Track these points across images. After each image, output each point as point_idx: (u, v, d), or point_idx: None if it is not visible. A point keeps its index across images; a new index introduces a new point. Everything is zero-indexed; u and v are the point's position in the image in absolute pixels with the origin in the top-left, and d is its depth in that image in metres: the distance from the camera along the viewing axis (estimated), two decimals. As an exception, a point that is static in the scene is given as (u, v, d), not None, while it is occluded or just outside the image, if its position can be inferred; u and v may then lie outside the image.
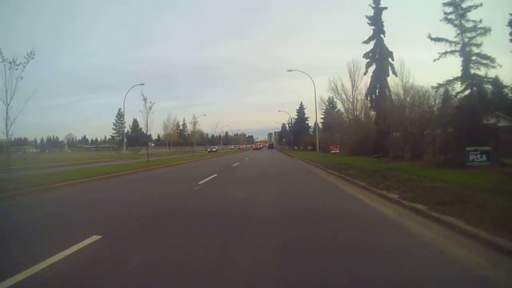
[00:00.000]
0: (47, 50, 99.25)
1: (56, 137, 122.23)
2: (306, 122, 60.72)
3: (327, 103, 66.36)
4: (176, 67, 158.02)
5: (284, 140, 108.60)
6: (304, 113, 60.31)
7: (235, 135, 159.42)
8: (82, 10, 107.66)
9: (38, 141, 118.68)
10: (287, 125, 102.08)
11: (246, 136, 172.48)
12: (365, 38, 18.52)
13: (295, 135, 61.03)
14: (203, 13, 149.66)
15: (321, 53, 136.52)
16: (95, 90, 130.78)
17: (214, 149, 50.70)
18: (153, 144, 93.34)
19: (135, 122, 61.91)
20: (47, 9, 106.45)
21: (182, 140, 78.05)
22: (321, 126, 67.41)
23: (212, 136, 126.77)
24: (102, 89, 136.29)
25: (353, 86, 55.22)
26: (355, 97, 55.86)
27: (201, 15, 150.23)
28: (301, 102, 60.74)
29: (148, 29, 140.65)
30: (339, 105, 66.59)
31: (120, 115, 61.58)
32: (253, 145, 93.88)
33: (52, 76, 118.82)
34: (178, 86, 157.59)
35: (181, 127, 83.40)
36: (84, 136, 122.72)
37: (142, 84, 40.77)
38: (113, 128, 61.64)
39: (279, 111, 71.46)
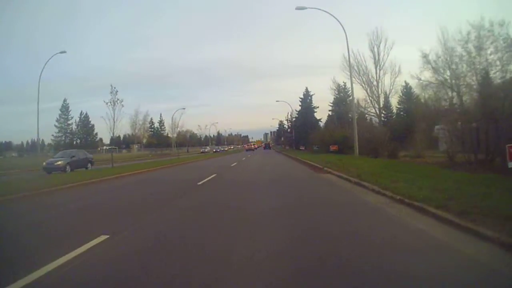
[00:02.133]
0: (41, 53, 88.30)
1: (42, 140, 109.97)
2: (314, 113, 45.41)
3: (336, 92, 51.36)
4: (172, 68, 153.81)
5: (282, 139, 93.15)
6: (311, 103, 45.09)
7: (229, 135, 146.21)
8: (76, 12, 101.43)
9: (25, 145, 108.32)
10: (285, 122, 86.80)
11: (242, 136, 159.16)
12: None
13: (298, 132, 45.65)
14: (199, 14, 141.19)
15: (319, 53, 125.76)
16: (91, 92, 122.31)
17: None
18: (136, 146, 78.61)
19: (84, 117, 46.04)
20: (39, 11, 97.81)
21: (156, 140, 62.34)
22: (320, 121, 52.42)
23: (204, 136, 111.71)
24: (97, 91, 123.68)
25: (376, 64, 40.51)
26: (380, 78, 41.36)
27: (197, 17, 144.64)
28: (306, 88, 45.65)
29: (143, 30, 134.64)
30: (355, 92, 52.11)
31: (65, 108, 45.72)
32: (245, 146, 76.95)
33: (47, 78, 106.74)
34: (174, 87, 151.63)
35: (156, 125, 67.64)
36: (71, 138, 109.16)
37: (64, 52, 26.60)
38: (55, 126, 45.75)
39: (277, 101, 54.85)
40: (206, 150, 57.95)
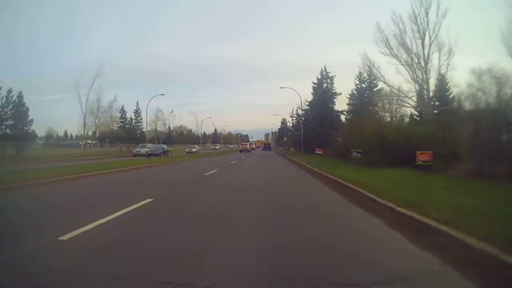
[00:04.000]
0: (45, 46, 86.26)
1: (33, 131, 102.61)
2: (334, 103, 31.99)
3: (357, 81, 38.16)
4: (175, 65, 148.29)
5: (285, 139, 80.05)
6: (331, 87, 31.84)
7: (228, 133, 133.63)
8: (80, 7, 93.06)
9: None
10: (289, 119, 73.73)
11: (242, 135, 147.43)
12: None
13: (311, 128, 32.61)
14: (202, 12, 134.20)
15: (325, 54, 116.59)
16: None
17: None
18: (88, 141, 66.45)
19: (18, 97, 33.12)
20: (45, 4, 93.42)
21: (126, 134, 49.43)
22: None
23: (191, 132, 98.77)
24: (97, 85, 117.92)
25: (422, 36, 28.87)
26: (429, 55, 30.13)
27: (200, 14, 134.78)
28: (324, 68, 32.19)
29: (147, 27, 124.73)
30: (389, 75, 40.86)
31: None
32: (240, 145, 61.76)
33: (52, 71, 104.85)
34: (176, 84, 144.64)
35: (131, 116, 54.67)
36: (65, 132, 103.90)
37: None
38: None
39: (281, 88, 40.56)
40: (141, 151, 31.63)
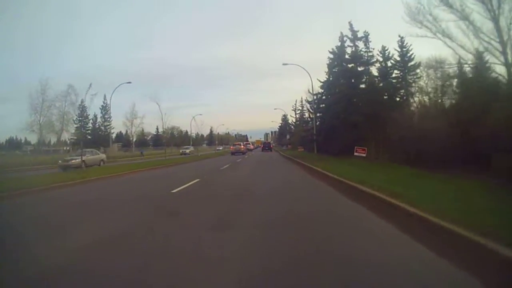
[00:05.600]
0: (43, 51, 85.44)
1: (23, 138, 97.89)
2: (369, 71, 20.40)
3: (380, 58, 25.95)
4: (174, 67, 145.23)
5: (288, 138, 68.77)
6: (366, 50, 20.26)
7: (226, 133, 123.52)
8: (78, 10, 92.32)
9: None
10: (292, 114, 62.56)
11: (241, 135, 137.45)
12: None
13: (334, 115, 21.34)
14: (199, 13, 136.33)
15: (323, 54, 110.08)
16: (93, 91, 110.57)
17: None
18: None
19: None
20: (43, 8, 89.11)
21: (82, 136, 38.47)
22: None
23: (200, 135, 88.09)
24: (97, 89, 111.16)
25: None
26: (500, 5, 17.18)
27: (197, 15, 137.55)
28: (350, 25, 20.46)
29: (145, 29, 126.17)
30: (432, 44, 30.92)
31: None
32: (232, 146, 46.60)
33: (49, 76, 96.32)
34: (175, 87, 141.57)
35: (95, 114, 43.60)
36: (59, 137, 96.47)
37: None
38: None
39: (283, 64, 29.58)
40: None
